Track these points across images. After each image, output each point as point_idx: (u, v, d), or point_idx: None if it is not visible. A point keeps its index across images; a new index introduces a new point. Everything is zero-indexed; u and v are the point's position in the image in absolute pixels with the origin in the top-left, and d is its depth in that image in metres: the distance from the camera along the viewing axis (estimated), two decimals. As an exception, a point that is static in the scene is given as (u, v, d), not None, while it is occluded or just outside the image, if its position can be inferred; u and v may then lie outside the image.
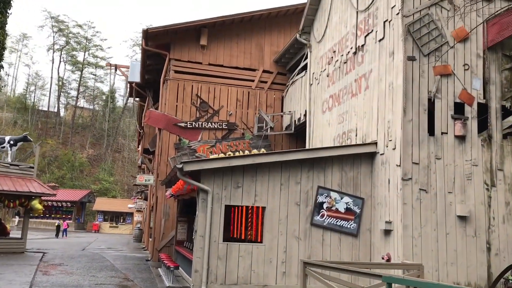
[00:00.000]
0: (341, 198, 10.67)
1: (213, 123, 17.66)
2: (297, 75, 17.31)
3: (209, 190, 9.92)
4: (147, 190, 26.64)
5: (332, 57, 13.97)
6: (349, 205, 10.68)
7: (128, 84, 24.09)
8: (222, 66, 18.18)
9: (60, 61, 69.38)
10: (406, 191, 9.46)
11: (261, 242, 10.44)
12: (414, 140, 9.75)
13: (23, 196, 18.92)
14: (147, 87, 23.42)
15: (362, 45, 11.97)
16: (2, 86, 64.11)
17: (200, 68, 17.99)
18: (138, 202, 30.94)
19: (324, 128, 14.08)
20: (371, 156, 10.93)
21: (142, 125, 23.38)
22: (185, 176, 9.90)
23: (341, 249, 10.50)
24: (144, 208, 32.53)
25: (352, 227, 10.63)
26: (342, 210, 10.63)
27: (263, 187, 10.31)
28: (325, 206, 10.55)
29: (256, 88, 18.35)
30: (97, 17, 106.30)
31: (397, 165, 9.78)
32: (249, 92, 18.29)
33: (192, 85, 17.80)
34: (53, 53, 68.37)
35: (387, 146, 10.35)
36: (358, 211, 10.70)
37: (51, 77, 70.32)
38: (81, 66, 67.54)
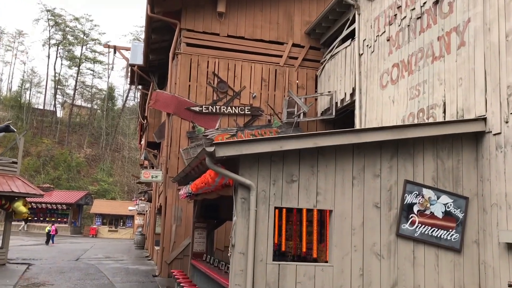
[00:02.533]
0: (438, 198, 7.45)
1: (233, 108, 14.45)
2: (337, 47, 14.10)
3: (252, 186, 6.70)
4: (151, 190, 23.41)
5: (395, 15, 10.76)
6: (448, 207, 7.46)
7: (129, 69, 20.88)
8: (243, 38, 14.98)
9: (56, 57, 66.20)
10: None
11: (327, 261, 7.23)
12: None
13: (3, 197, 15.69)
14: (151, 71, 20.22)
15: (451, -11, 8.78)
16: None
17: (217, 40, 14.79)
18: (140, 204, 27.73)
19: (384, 107, 10.87)
20: (475, 137, 7.72)
21: (146, 114, 20.16)
22: (217, 165, 6.69)
23: (439, 270, 7.28)
24: (147, 211, 29.26)
25: (454, 238, 7.41)
26: (440, 215, 7.41)
27: (328, 182, 7.09)
28: (415, 209, 7.33)
29: (284, 66, 15.14)
30: (95, 10, 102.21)
31: (532, 147, 6.58)
32: (276, 70, 15.08)
33: (208, 61, 14.59)
34: (49, 48, 65.26)
35: (506, 122, 7.15)
36: (460, 215, 7.49)
37: (47, 74, 67.28)
38: (78, 61, 64.30)
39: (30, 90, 69.90)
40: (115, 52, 21.60)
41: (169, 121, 14.29)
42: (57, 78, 65.97)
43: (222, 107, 14.37)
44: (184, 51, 14.48)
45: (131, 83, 22.57)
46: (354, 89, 12.49)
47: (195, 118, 14.09)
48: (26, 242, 29.34)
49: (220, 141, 6.74)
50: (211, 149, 6.51)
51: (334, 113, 13.69)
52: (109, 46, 21.68)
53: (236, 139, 8.68)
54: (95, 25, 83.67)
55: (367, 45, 12.03)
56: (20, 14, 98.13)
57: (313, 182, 7.07)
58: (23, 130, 40.68)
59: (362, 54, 12.32)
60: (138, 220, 43.92)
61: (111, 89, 68.12)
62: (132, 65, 20.19)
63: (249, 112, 14.56)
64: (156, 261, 17.19)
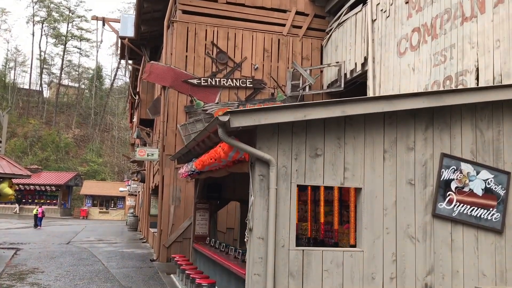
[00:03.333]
0: (477, 173, 6.62)
1: (234, 80, 13.46)
2: (346, 13, 13.11)
3: (272, 161, 5.80)
4: (144, 170, 22.46)
5: (416, -26, 9.80)
6: (488, 183, 6.65)
7: (119, 42, 19.68)
8: (243, 5, 13.91)
9: (41, 35, 64.11)
10: None
11: (356, 246, 6.40)
12: None
13: (-13, 179, 14.64)
14: (142, 44, 19.06)
15: None
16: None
17: (216, 7, 13.70)
18: (132, 184, 26.77)
19: (403, 76, 9.97)
20: (517, 105, 6.88)
21: (138, 89, 19.06)
22: (231, 138, 5.77)
23: (478, 254, 6.50)
24: (139, 192, 28.35)
25: (495, 218, 6.62)
26: (479, 192, 6.59)
27: (357, 156, 6.21)
28: (453, 186, 6.50)
29: (288, 35, 14.12)
30: None
31: None
32: (279, 40, 14.06)
33: (206, 30, 13.52)
34: (33, 26, 63.03)
35: (558, 87, 6.30)
36: (502, 193, 6.69)
37: (32, 52, 65.28)
38: (64, 39, 62.30)
39: (15, 70, 67.85)
40: (103, 25, 20.33)
41: (165, 95, 13.28)
42: (42, 57, 63.98)
43: (222, 79, 13.37)
44: (180, 19, 13.38)
45: (121, 57, 21.38)
46: (366, 59, 11.57)
47: (193, 92, 13.10)
48: (14, 225, 28.34)
49: (235, 110, 5.82)
50: (225, 118, 5.58)
51: (342, 85, 12.78)
52: (97, 18, 20.40)
53: (253, 107, 7.81)
54: (81, 1, 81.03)
55: (382, 10, 11.07)
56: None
57: (340, 156, 6.19)
58: (8, 108, 39.20)
59: (375, 20, 11.36)
60: (129, 201, 43.02)
61: (99, 68, 66.34)
62: (122, 38, 18.99)
63: (251, 85, 13.59)
64: (152, 245, 16.36)
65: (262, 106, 6.12)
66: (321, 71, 14.02)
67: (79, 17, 62.01)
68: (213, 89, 13.32)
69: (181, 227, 12.68)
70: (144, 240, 19.99)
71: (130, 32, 19.01)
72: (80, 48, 65.19)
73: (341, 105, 6.02)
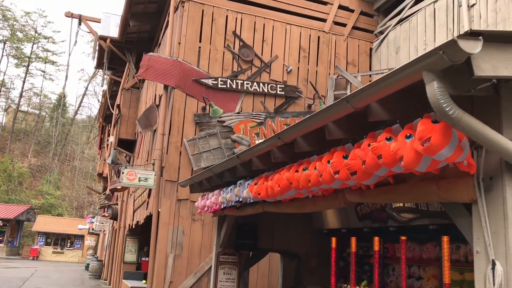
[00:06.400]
0: None
1: (261, 84, 10.02)
2: (411, 6, 10.06)
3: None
4: (116, 204, 18.29)
5: None
6: None
7: (98, 44, 15.99)
8: (275, -10, 10.67)
9: (2, 55, 59.20)
10: None
11: None
12: None
13: None
14: (127, 49, 15.48)
15: None
16: None
17: (240, -11, 10.40)
18: (98, 221, 22.37)
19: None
20: None
21: (119, 102, 15.28)
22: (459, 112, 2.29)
23: None
24: (105, 231, 23.84)
25: None
26: None
27: None
28: None
29: (329, 33, 10.90)
30: (48, 4, 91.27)
31: None
32: (319, 38, 10.82)
33: (227, 16, 10.14)
34: (-6, 45, 58.12)
35: None
36: None
37: (-10, 73, 59.83)
38: (28, 60, 57.60)
39: (-31, 91, 62.13)
40: (80, 24, 16.67)
41: (169, 98, 9.65)
42: (1, 79, 58.86)
43: (245, 82, 9.89)
44: (192, -1, 9.97)
45: (99, 65, 17.63)
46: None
47: (206, 95, 9.54)
48: None
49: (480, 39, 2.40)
50: (470, 47, 2.06)
51: (410, 97, 9.52)
52: (72, 16, 16.75)
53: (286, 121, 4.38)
54: (49, 22, 76.33)
55: (487, -11, 8.01)
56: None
57: None
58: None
59: (474, 4, 8.27)
60: (89, 241, 38.02)
61: (62, 96, 61.61)
62: (103, 38, 15.36)
63: (282, 92, 10.17)
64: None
65: None
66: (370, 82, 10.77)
67: (45, 38, 57.72)
68: (233, 94, 9.81)
69: (183, 286, 8.77)
70: (113, 294, 15.67)
71: (113, 33, 15.48)
72: (44, 71, 60.52)
73: None
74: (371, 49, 11.16)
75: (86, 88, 58.56)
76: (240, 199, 5.27)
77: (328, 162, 3.28)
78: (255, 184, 4.78)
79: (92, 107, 75.65)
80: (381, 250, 6.01)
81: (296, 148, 3.81)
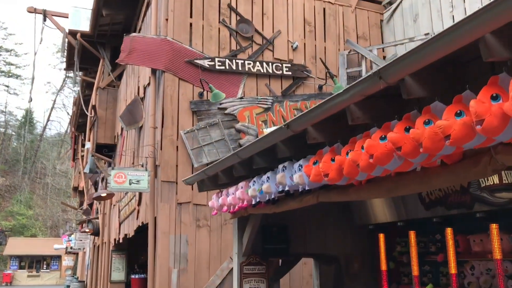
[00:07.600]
0: None
1: (264, 64, 8.63)
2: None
3: None
4: (97, 219, 16.52)
5: None
6: None
7: (66, 41, 14.31)
8: (272, -42, 9.32)
9: (-39, 71, 56.01)
10: None
11: None
12: None
13: None
14: (100, 44, 13.86)
15: None
16: None
17: (233, -43, 9.00)
18: (77, 239, 20.46)
19: None
20: None
21: (94, 103, 13.60)
22: None
23: None
24: (85, 249, 21.92)
25: None
26: None
27: None
28: None
29: (336, 4, 9.62)
30: (10, 16, 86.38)
31: None
32: (324, 10, 9.52)
33: (221, -13, 8.73)
34: (-49, 61, 54.97)
35: None
36: None
37: (-51, 91, 56.62)
38: (-12, 75, 54.69)
39: None
40: (45, 20, 14.92)
41: (158, 85, 8.15)
42: (-38, 97, 55.74)
43: (246, 62, 8.49)
44: (179, -31, 8.50)
45: (68, 66, 15.92)
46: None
47: (204, 78, 8.08)
48: None
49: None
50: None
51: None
52: (35, 11, 14.97)
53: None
54: (10, 34, 72.82)
55: None
56: None
57: None
58: None
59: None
60: (66, 261, 35.76)
61: (30, 112, 58.79)
62: (72, 33, 13.72)
63: (289, 72, 8.80)
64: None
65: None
66: (384, 57, 9.53)
67: (7, 51, 54.89)
68: (234, 77, 8.38)
69: (191, 307, 7.26)
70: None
71: (84, 25, 13.87)
72: (7, 86, 57.58)
73: None
74: (381, 21, 9.92)
75: (54, 101, 55.73)
76: (286, 188, 3.86)
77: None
78: (314, 163, 3.37)
79: (62, 120, 72.68)
80: (454, 244, 4.71)
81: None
